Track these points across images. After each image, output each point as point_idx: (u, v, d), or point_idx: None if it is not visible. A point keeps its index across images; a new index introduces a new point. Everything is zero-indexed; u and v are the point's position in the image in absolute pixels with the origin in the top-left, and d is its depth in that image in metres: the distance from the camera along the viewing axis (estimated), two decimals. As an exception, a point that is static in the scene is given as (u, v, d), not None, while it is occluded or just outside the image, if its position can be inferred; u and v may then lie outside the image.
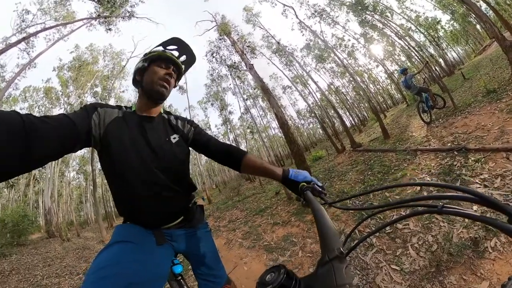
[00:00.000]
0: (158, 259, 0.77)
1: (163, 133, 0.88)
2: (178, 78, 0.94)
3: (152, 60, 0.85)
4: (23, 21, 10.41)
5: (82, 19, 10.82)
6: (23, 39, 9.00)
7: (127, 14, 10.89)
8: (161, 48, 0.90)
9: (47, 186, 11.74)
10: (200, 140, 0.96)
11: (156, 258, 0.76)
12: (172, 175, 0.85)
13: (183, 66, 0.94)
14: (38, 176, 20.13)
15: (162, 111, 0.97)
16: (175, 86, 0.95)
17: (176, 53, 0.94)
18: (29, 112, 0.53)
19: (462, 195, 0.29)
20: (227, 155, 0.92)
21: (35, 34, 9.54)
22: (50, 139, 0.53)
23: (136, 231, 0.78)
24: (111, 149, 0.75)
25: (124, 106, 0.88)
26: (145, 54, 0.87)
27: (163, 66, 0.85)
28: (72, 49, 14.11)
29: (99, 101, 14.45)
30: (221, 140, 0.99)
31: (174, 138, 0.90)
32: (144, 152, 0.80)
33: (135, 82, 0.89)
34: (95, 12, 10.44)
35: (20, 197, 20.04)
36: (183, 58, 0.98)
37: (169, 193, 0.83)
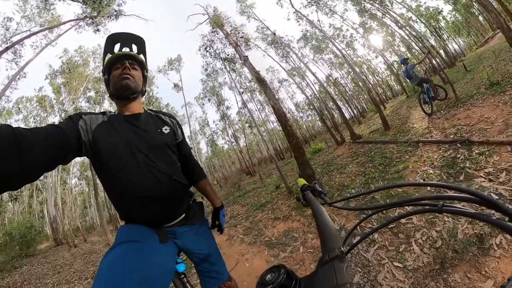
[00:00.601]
0: (164, 256, 0.79)
1: (153, 126, 0.90)
2: (143, 67, 0.95)
3: (108, 68, 0.88)
4: (7, 29, 10.05)
5: (69, 21, 10.45)
6: (7, 48, 8.68)
7: (115, 13, 10.52)
8: (109, 55, 0.91)
9: (50, 195, 11.78)
10: (183, 148, 1.04)
11: (161, 255, 0.78)
12: (168, 164, 0.87)
13: (139, 55, 0.94)
14: (40, 186, 20.19)
15: (146, 109, 0.99)
16: (145, 77, 0.97)
17: (126, 49, 0.94)
18: (24, 123, 0.50)
19: (463, 195, 0.29)
20: (191, 171, 1.08)
21: (19, 41, 9.22)
22: (42, 150, 0.53)
23: (139, 230, 0.79)
24: (103, 153, 0.75)
25: (109, 112, 0.90)
26: (102, 71, 0.91)
27: (118, 67, 0.87)
28: (61, 54, 13.73)
29: (93, 105, 14.32)
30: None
31: (166, 129, 0.93)
32: (138, 148, 0.80)
33: (110, 96, 0.93)
34: (81, 13, 10.09)
35: (25, 208, 20.24)
36: (134, 48, 0.97)
37: (168, 183, 0.84)
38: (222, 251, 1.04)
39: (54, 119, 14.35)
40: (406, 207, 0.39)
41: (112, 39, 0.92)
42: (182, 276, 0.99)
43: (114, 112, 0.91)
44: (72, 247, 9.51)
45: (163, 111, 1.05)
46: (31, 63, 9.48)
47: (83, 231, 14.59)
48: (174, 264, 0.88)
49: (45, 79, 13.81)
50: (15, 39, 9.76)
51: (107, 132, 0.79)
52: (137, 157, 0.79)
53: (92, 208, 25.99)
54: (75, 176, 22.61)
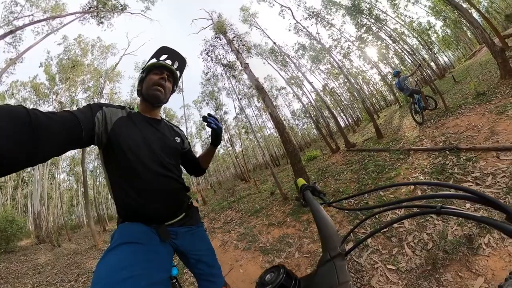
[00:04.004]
0: (165, 259, 0.79)
1: (169, 133, 1.00)
2: (175, 83, 1.04)
3: (149, 70, 0.96)
4: (11, 12, 9.77)
5: (74, 13, 10.43)
6: (11, 32, 8.47)
7: (120, 7, 10.62)
8: (154, 59, 1.02)
9: (36, 189, 11.26)
10: (191, 155, 1.17)
11: (163, 258, 0.78)
12: (177, 168, 0.96)
13: (177, 72, 1.04)
14: (26, 178, 19.27)
15: (162, 118, 1.07)
16: (173, 91, 1.06)
17: (169, 61, 1.05)
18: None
19: (460, 193, 0.29)
20: (197, 164, 1.18)
21: (21, 28, 9.00)
22: (54, 135, 0.54)
23: (139, 230, 0.78)
24: (121, 145, 0.79)
25: (128, 107, 0.94)
26: (142, 67, 0.99)
27: (157, 73, 0.95)
28: (60, 41, 13.31)
29: (91, 100, 13.95)
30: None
31: (177, 139, 1.03)
32: (156, 147, 0.87)
33: (138, 92, 0.99)
34: (87, 4, 10.08)
35: (8, 200, 19.07)
36: (176, 64, 1.08)
37: (175, 184, 0.91)
38: (216, 255, 1.04)
39: (49, 108, 13.84)
40: (402, 209, 0.39)
41: (163, 50, 1.06)
42: (174, 280, 1.00)
43: (133, 109, 0.95)
44: (56, 246, 8.93)
45: (175, 124, 1.18)
46: (31, 50, 9.15)
47: (68, 230, 13.89)
48: (171, 267, 0.88)
49: (40, 67, 13.25)
50: (17, 22, 9.52)
51: (128, 126, 0.84)
52: (154, 154, 0.85)
53: (79, 207, 24.95)
54: (64, 171, 21.63)
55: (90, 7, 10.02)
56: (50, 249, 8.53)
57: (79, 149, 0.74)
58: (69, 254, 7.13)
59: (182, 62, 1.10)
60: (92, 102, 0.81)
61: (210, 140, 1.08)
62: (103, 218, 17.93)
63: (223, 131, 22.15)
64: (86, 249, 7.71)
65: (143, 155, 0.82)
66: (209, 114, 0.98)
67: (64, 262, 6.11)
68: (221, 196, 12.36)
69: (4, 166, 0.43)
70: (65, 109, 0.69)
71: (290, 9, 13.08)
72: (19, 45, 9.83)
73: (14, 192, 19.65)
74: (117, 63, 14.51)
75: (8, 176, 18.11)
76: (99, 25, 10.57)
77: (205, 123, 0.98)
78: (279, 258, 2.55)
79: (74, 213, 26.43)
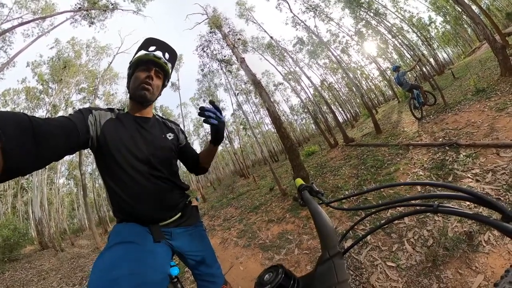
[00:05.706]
0: (160, 259, 0.79)
1: (159, 131, 0.96)
2: (166, 77, 0.98)
3: (136, 65, 0.90)
4: None
5: (64, 12, 10.13)
6: None
7: (111, 6, 10.36)
8: (143, 52, 0.94)
9: (36, 195, 11.20)
10: (189, 152, 1.09)
11: (158, 258, 0.78)
12: (169, 167, 0.92)
13: (167, 64, 0.97)
14: (25, 185, 19.21)
15: (154, 114, 1.03)
16: (165, 85, 1.00)
17: (159, 53, 0.97)
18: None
19: (457, 194, 0.29)
20: (197, 161, 1.09)
21: (10, 29, 8.78)
22: (54, 140, 0.55)
23: (134, 230, 0.79)
24: (110, 147, 0.78)
25: (117, 109, 0.92)
26: (130, 61, 0.93)
27: (144, 70, 0.89)
28: (53, 44, 13.05)
29: (86, 101, 13.71)
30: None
31: (170, 136, 0.98)
32: (143, 146, 0.85)
33: (127, 87, 0.96)
34: (77, 4, 9.83)
35: (9, 209, 19.08)
36: (166, 56, 1.00)
37: (167, 184, 0.88)
38: (216, 254, 1.03)
39: (42, 114, 13.70)
40: (399, 208, 0.40)
41: (150, 42, 0.96)
42: (176, 280, 0.97)
43: (123, 109, 0.93)
44: (59, 251, 9.02)
45: (170, 119, 1.11)
46: (22, 53, 8.99)
47: (70, 234, 13.97)
48: (169, 267, 0.87)
49: (27, 67, 12.92)
50: (5, 26, 9.30)
51: (116, 128, 0.83)
52: (142, 154, 0.83)
53: (80, 210, 25.04)
54: (63, 176, 21.69)
55: (80, 8, 9.75)
56: (54, 255, 8.61)
57: (75, 153, 0.74)
58: (73, 258, 7.20)
59: (172, 54, 1.01)
60: (82, 107, 0.81)
61: (210, 138, 0.92)
62: (104, 220, 17.97)
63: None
64: (89, 252, 7.77)
65: (130, 156, 0.81)
66: (211, 102, 0.81)
67: (68, 267, 6.17)
68: (220, 193, 12.40)
69: (7, 170, 0.43)
70: (60, 115, 0.70)
71: (287, 2, 12.87)
72: (10, 49, 9.72)
73: (14, 200, 19.60)
74: (111, 62, 14.30)
75: (7, 184, 18.06)
76: (90, 26, 10.36)
77: (202, 119, 0.78)
78: (279, 254, 2.55)
79: (76, 216, 26.62)
